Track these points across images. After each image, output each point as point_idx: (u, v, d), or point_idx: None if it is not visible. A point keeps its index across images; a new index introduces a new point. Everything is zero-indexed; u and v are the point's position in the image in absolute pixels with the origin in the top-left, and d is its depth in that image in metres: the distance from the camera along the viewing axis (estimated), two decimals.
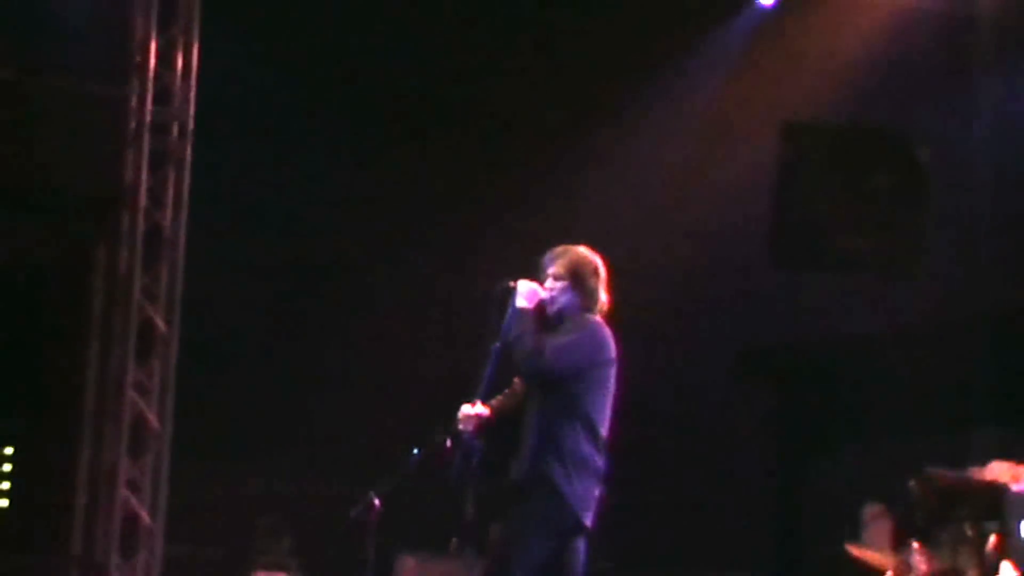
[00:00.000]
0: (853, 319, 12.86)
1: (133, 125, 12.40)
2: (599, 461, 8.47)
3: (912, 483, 9.61)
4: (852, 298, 12.89)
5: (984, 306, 12.04)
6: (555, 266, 8.58)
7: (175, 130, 12.41)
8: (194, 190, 12.41)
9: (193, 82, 12.45)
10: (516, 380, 8.82)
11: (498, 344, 8.61)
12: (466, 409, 8.60)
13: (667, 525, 12.50)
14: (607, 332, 8.55)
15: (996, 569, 9.00)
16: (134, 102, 12.38)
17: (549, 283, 8.57)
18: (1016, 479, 9.14)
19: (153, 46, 12.38)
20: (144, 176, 12.31)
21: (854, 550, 10.07)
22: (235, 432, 12.79)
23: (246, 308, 12.91)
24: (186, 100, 12.45)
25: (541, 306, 8.56)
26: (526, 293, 8.52)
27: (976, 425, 11.09)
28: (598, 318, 8.59)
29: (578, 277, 8.56)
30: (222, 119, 12.57)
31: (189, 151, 12.40)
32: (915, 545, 9.55)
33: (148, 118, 12.40)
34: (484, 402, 8.69)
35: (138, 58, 12.35)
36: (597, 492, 8.56)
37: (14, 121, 13.16)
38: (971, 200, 12.15)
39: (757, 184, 12.84)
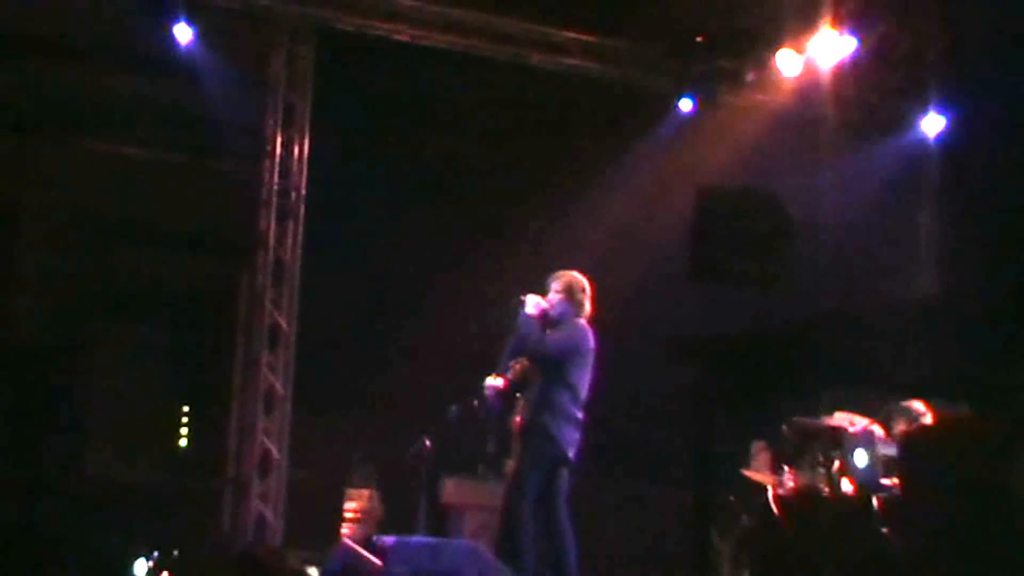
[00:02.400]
0: (744, 317, 12.88)
1: (265, 193, 12.46)
2: (579, 416, 8.77)
3: (784, 427, 9.66)
4: (744, 304, 12.90)
5: (825, 307, 12.12)
6: (556, 284, 8.94)
7: (293, 195, 12.47)
8: (306, 234, 12.46)
9: (305, 162, 12.51)
10: (513, 363, 9.03)
11: (513, 338, 8.90)
12: (489, 380, 8.97)
13: (616, 458, 12.41)
14: (589, 331, 8.89)
15: (839, 484, 9.02)
16: (266, 177, 12.46)
17: (551, 296, 8.91)
18: (852, 424, 9.20)
19: (279, 139, 12.46)
20: (272, 226, 12.40)
21: (746, 472, 10.16)
22: (335, 395, 12.73)
23: (342, 312, 12.86)
24: (300, 175, 12.50)
25: (544, 312, 8.84)
26: (532, 304, 8.82)
27: (824, 388, 11.02)
28: (583, 321, 8.89)
29: (571, 292, 8.91)
30: (324, 187, 12.59)
31: (302, 209, 12.47)
32: (786, 469, 9.61)
33: (275, 187, 12.44)
34: (501, 376, 9.00)
35: (269, 147, 12.44)
36: (577, 436, 8.76)
37: (185, 189, 13.14)
38: (819, 241, 12.19)
39: (681, 227, 12.83)
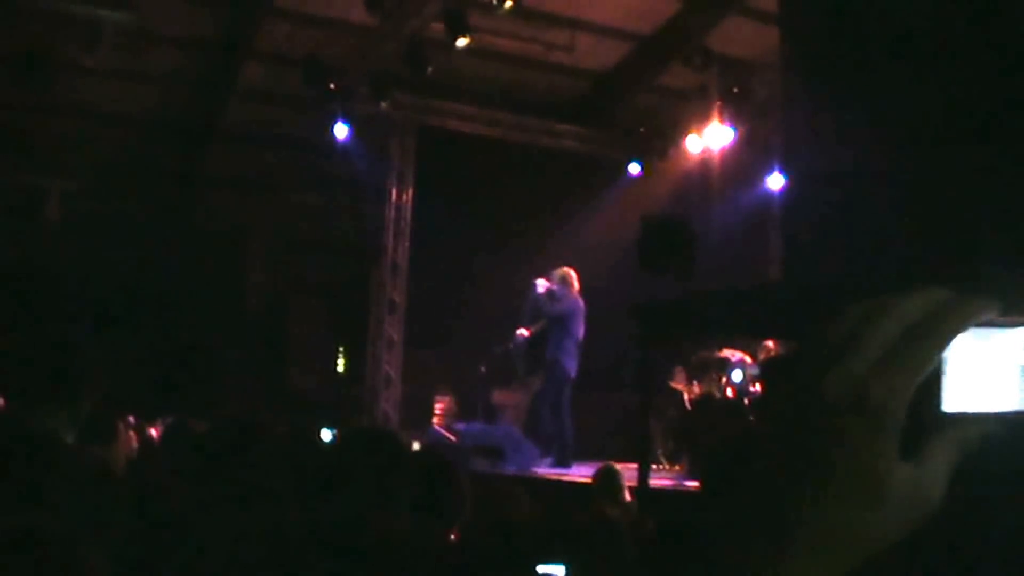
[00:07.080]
0: (671, 292, 11.49)
1: (387, 222, 12.37)
2: (577, 353, 8.85)
3: (693, 357, 9.60)
4: (671, 284, 11.68)
5: (715, 286, 10.83)
6: (556, 275, 9.05)
7: (403, 224, 12.43)
8: (411, 247, 12.44)
9: (410, 205, 12.46)
10: (539, 319, 9.13)
11: (532, 303, 9.10)
12: (519, 331, 9.15)
13: (597, 377, 11.24)
14: (580, 301, 8.99)
15: (724, 391, 8.97)
16: (388, 213, 12.42)
17: (554, 282, 9.03)
18: (733, 355, 9.11)
19: (395, 191, 12.44)
20: (391, 241, 12.40)
21: (671, 384, 9.86)
22: (427, 341, 12.63)
23: (431, 292, 12.63)
24: (408, 211, 12.44)
25: (549, 290, 8.98)
26: (541, 286, 8.99)
27: (716, 334, 9.80)
28: (575, 295, 9.01)
29: (565, 280, 9.02)
30: (422, 219, 12.48)
31: (409, 231, 12.45)
32: (694, 382, 9.50)
33: (393, 219, 12.42)
34: (526, 327, 9.22)
35: (389, 196, 12.43)
36: (576, 364, 8.86)
37: (341, 221, 13.27)
38: (712, 246, 11.69)
39: (632, 238, 11.67)
